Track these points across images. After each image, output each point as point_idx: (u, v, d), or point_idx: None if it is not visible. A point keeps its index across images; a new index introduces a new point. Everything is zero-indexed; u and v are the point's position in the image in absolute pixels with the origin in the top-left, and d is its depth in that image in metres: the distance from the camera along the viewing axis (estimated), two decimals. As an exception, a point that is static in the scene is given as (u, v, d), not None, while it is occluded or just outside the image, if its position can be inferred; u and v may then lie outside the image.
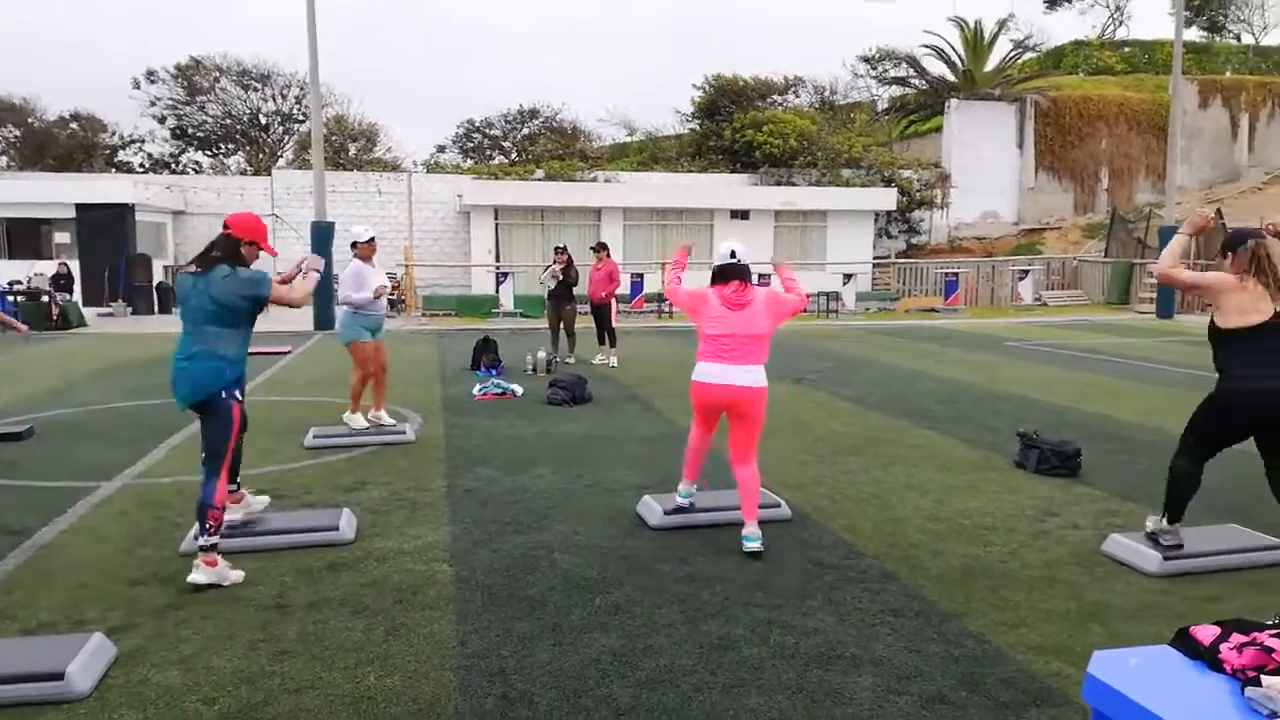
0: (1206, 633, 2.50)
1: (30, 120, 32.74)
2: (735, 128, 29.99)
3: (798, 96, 35.58)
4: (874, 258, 27.34)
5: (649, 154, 34.52)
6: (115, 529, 5.04)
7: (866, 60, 36.60)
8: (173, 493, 5.79)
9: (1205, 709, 2.25)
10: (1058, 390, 10.12)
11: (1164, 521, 4.53)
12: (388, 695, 3.18)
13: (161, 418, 8.35)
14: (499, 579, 4.30)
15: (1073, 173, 31.97)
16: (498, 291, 22.16)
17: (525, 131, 36.16)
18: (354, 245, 7.57)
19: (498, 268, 23.97)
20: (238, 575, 4.25)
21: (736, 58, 67.06)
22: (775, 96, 33.94)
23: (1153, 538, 4.54)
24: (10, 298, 18.64)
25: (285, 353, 13.82)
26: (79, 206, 22.73)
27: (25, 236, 23.50)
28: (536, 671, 3.36)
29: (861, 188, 27.77)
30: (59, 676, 3.14)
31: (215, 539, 4.21)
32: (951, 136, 30.38)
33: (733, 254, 4.82)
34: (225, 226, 4.59)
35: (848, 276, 23.63)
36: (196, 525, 4.27)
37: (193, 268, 4.52)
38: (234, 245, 4.54)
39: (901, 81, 36.13)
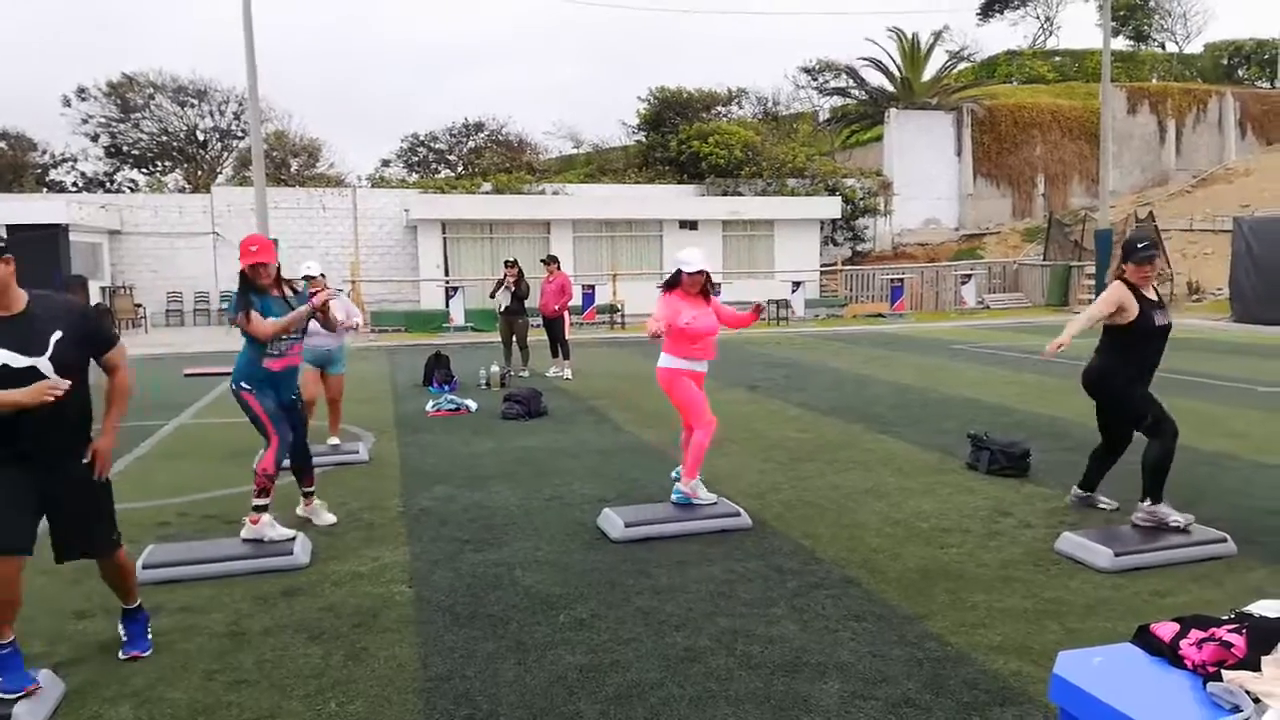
0: (1166, 629, 2.57)
1: (-46, 139, 31.67)
2: (681, 139, 30.21)
3: (741, 108, 35.99)
4: (821, 265, 27.70)
5: (596, 166, 34.59)
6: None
7: (807, 71, 37.21)
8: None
9: (1170, 705, 2.30)
10: (1004, 391, 10.34)
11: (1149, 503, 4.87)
12: (351, 722, 3.12)
13: (103, 444, 8.09)
14: (460, 598, 4.24)
15: (1010, 179, 32.80)
16: (448, 306, 21.98)
17: (471, 145, 35.97)
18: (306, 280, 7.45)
19: (447, 282, 23.76)
20: (280, 532, 4.89)
21: (681, 70, 67.65)
22: (720, 108, 34.26)
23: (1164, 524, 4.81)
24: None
25: (228, 373, 13.49)
26: (9, 228, 21.90)
27: (-48, 259, 22.62)
28: (502, 691, 3.32)
29: (806, 197, 28.14)
30: (5, 717, 3.01)
31: (263, 500, 4.89)
32: (892, 145, 30.98)
33: (690, 263, 5.41)
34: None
35: (796, 284, 23.92)
36: None
37: None
38: (241, 275, 5.01)
39: (842, 92, 36.76)
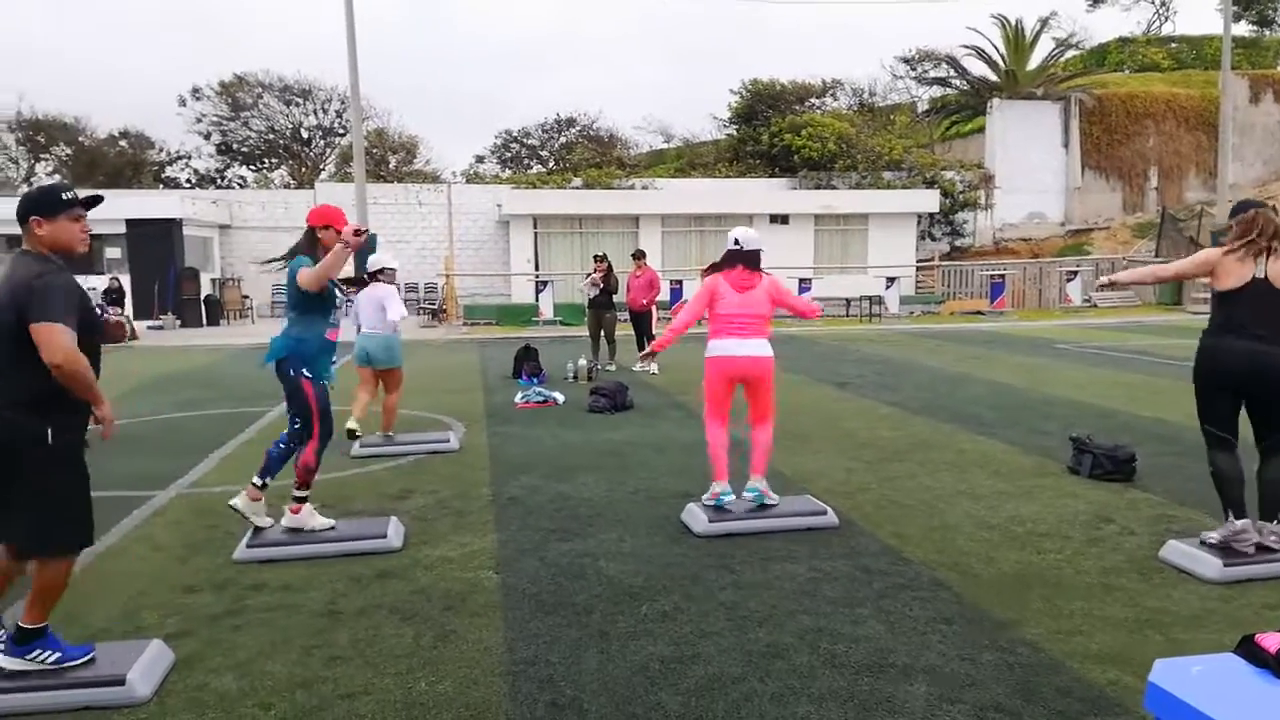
0: (1272, 640, 2.43)
1: (81, 139, 33.68)
2: (773, 132, 29.90)
3: (836, 99, 35.41)
4: (917, 260, 27.05)
5: (686, 160, 34.55)
6: (170, 537, 5.14)
7: (906, 61, 36.34)
8: (223, 502, 5.89)
9: (1271, 718, 2.18)
10: (1110, 393, 9.91)
11: (1232, 519, 4.38)
12: (439, 701, 3.21)
13: (212, 429, 8.52)
14: (545, 586, 4.31)
15: (1120, 172, 31.36)
16: (537, 300, 22.31)
17: (562, 140, 36.40)
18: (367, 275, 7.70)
19: (537, 276, 24.12)
20: (320, 521, 4.95)
21: (774, 63, 66.93)
22: (813, 100, 33.78)
23: (1224, 547, 4.37)
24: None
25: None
26: (129, 222, 23.30)
27: (80, 252, 24.09)
28: (585, 679, 3.36)
29: (903, 190, 27.52)
30: (120, 682, 3.20)
31: (304, 491, 4.93)
32: (994, 137, 29.98)
33: (736, 241, 5.29)
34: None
35: (890, 280, 23.43)
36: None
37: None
38: (309, 234, 4.90)
39: (942, 82, 35.77)
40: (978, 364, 12.93)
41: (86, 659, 3.34)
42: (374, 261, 7.78)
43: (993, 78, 33.63)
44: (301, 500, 4.96)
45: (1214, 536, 4.44)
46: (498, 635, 3.76)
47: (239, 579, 4.42)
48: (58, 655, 3.32)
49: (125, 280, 22.42)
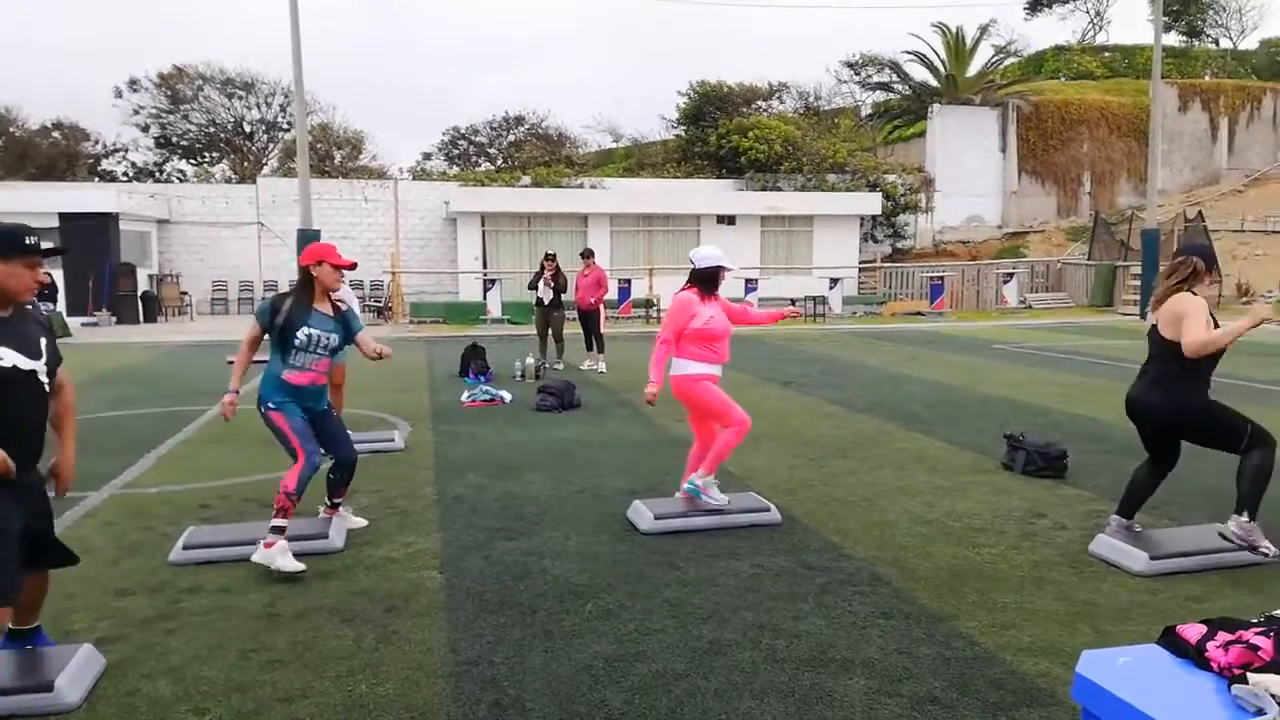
0: (1193, 631, 2.53)
1: (11, 129, 32.51)
2: (720, 134, 30.12)
3: (782, 102, 35.77)
4: (860, 262, 27.48)
5: (635, 160, 34.61)
6: (102, 539, 5.01)
7: (850, 66, 36.84)
8: (159, 503, 5.77)
9: (1193, 707, 2.28)
10: (1044, 392, 10.19)
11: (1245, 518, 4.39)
12: (380, 703, 3.18)
13: (147, 428, 8.30)
14: (490, 586, 4.29)
15: (1055, 176, 32.25)
16: (485, 298, 22.16)
17: (511, 138, 36.18)
18: None
19: (485, 274, 23.96)
20: (290, 564, 4.36)
21: (722, 65, 67.33)
22: (760, 102, 34.09)
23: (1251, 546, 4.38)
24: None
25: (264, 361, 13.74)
26: (62, 216, 22.55)
27: (7, 246, 23.27)
28: (529, 678, 3.36)
29: (847, 192, 27.93)
30: (48, 688, 3.11)
31: (282, 521, 4.46)
32: (935, 141, 30.60)
33: (702, 259, 5.38)
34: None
35: (834, 281, 23.77)
36: None
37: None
38: (304, 274, 4.79)
39: (885, 87, 36.36)
40: (918, 364, 13.18)
41: None
42: None
43: (934, 83, 34.33)
44: (278, 531, 4.46)
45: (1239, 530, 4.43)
46: (441, 636, 3.74)
47: (174, 581, 4.33)
48: None
49: (58, 275, 21.69)
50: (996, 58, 35.58)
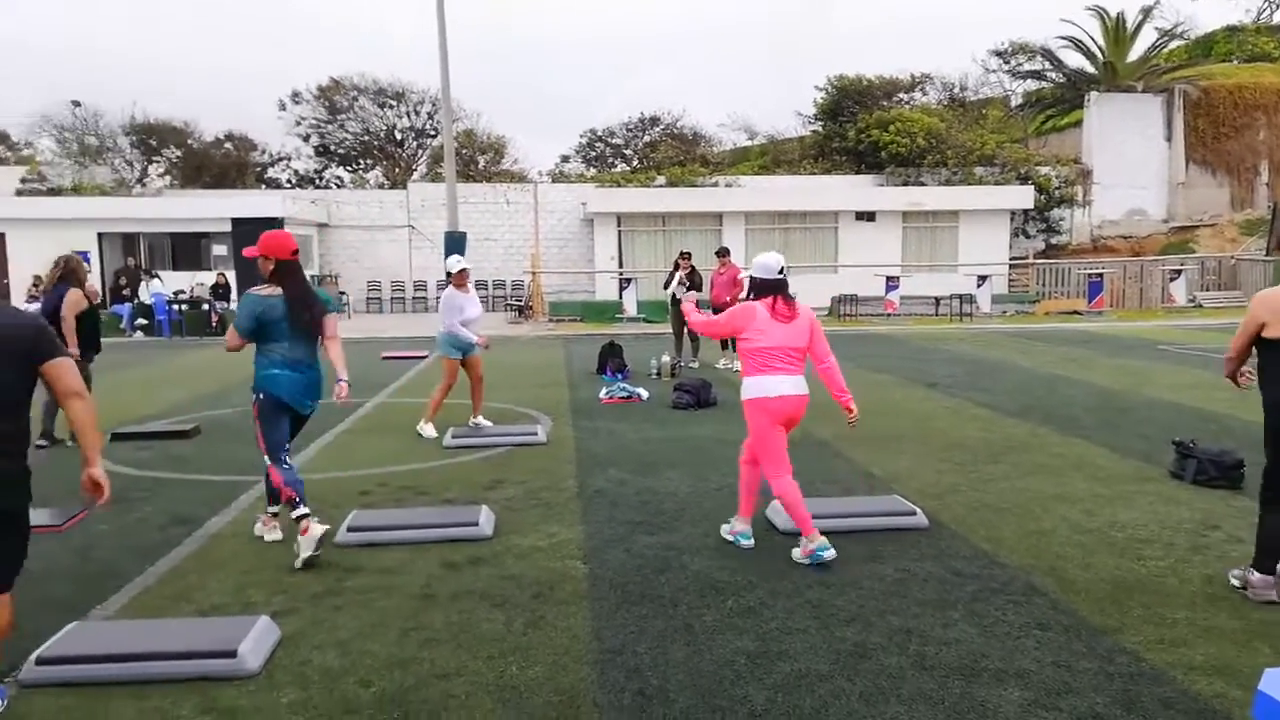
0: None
1: (190, 141, 35.25)
2: (860, 128, 29.42)
3: (925, 94, 34.61)
4: (1010, 258, 26.27)
5: (771, 157, 34.25)
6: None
7: (999, 54, 35.23)
8: (324, 488, 6.14)
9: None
10: (1213, 396, 9.47)
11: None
12: (530, 685, 3.29)
13: (312, 419, 8.83)
14: (632, 578, 4.36)
15: (1228, 166, 29.83)
16: (621, 297, 22.47)
17: (646, 139, 36.50)
18: (447, 275, 8.10)
19: (621, 274, 24.29)
20: (310, 551, 4.51)
21: (862, 58, 65.76)
22: (901, 95, 33.11)
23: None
24: (174, 305, 20.24)
25: (421, 357, 14.40)
26: (234, 221, 24.34)
27: (187, 249, 25.35)
28: (671, 670, 3.40)
29: (995, 186, 26.76)
30: (232, 654, 3.38)
31: (300, 511, 4.62)
32: (1092, 131, 28.87)
33: (781, 270, 4.79)
34: (295, 254, 5.09)
35: (982, 278, 22.82)
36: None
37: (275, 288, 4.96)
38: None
39: (1037, 75, 34.59)
40: (1074, 365, 12.50)
41: None
42: (450, 264, 8.16)
43: (1091, 70, 32.38)
44: (300, 519, 4.62)
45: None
46: (585, 624, 3.83)
47: (339, 561, 4.61)
48: None
49: (231, 277, 23.44)
50: (1161, 41, 33.21)
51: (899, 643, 3.62)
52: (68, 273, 7.55)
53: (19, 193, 27.48)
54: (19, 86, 51.04)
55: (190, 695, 3.22)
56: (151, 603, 4.13)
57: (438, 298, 7.84)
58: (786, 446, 4.73)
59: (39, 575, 4.41)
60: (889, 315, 22.11)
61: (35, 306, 10.85)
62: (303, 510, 4.62)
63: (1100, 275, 23.13)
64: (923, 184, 27.32)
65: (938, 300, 22.79)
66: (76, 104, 32.71)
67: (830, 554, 4.47)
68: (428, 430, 7.91)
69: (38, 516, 5.28)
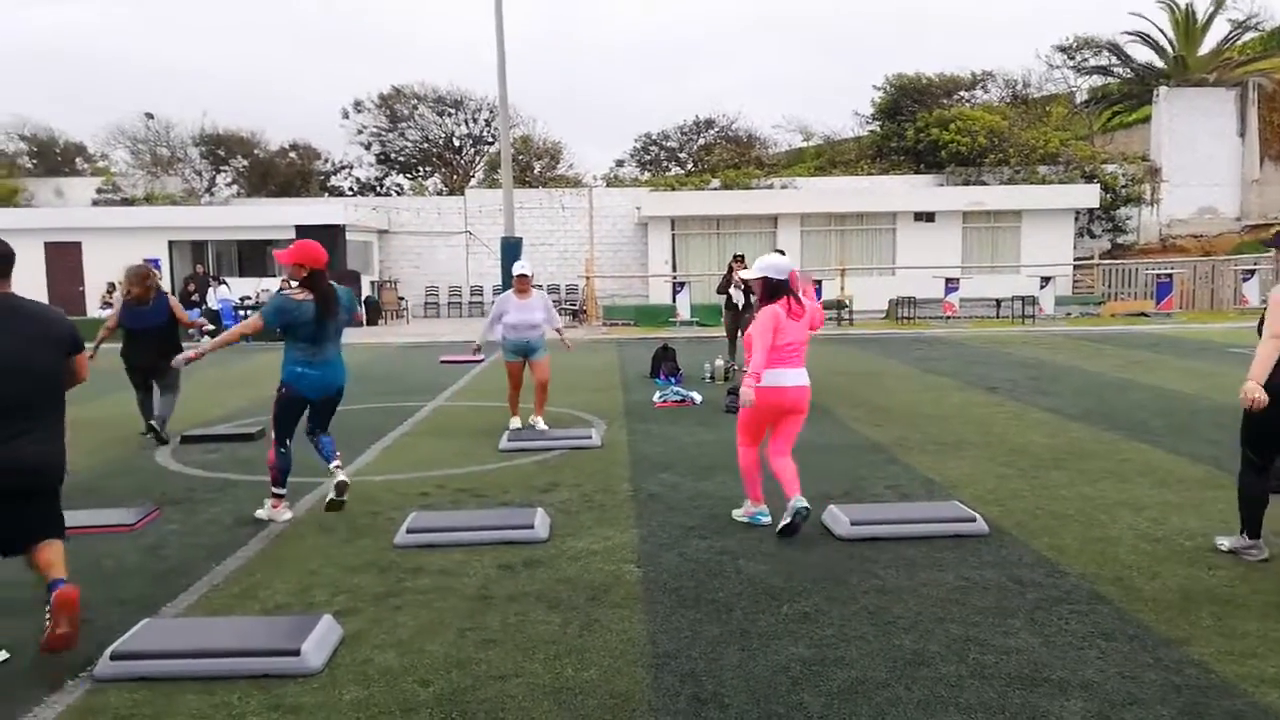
0: None
1: (256, 151, 36.22)
2: (919, 127, 28.99)
3: (987, 92, 33.94)
4: (1075, 259, 25.64)
5: (827, 158, 33.94)
6: (337, 521, 5.50)
7: (1063, 50, 34.38)
8: (384, 490, 6.26)
9: None
10: (1293, 402, 9.12)
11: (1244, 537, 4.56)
12: (585, 687, 3.31)
13: (373, 422, 9.03)
14: (686, 582, 4.37)
15: (1308, 161, 28.68)
16: (674, 300, 22.47)
17: (701, 142, 36.44)
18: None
19: (674, 277, 24.29)
20: (281, 514, 5.55)
21: (921, 56, 64.85)
22: (962, 93, 32.53)
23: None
24: (240, 311, 20.84)
25: (478, 361, 14.58)
26: (298, 228, 24.91)
27: (253, 256, 26.06)
28: (726, 675, 3.40)
29: (1059, 185, 26.14)
30: (295, 653, 3.47)
31: (277, 490, 5.57)
32: (1161, 127, 28.03)
33: (775, 271, 5.09)
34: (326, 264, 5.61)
35: (1045, 279, 22.32)
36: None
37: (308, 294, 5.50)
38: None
39: (1103, 71, 33.69)
40: (1141, 368, 12.15)
41: None
42: (516, 268, 8.31)
43: (1160, 64, 31.45)
44: (277, 498, 5.61)
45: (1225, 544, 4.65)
46: (640, 627, 3.84)
47: (400, 562, 4.70)
48: None
49: (294, 282, 24.00)
50: (1235, 33, 32.09)
51: (958, 651, 3.56)
52: (155, 283, 8.07)
53: (95, 203, 28.55)
54: (98, 99, 53.10)
55: (256, 692, 3.31)
56: (219, 601, 4.26)
57: (493, 302, 8.12)
58: (795, 435, 5.25)
59: (112, 572, 4.59)
60: (948, 318, 21.74)
61: (109, 312, 11.25)
62: (279, 492, 5.57)
63: (1169, 276, 22.44)
64: (984, 183, 26.82)
65: (999, 302, 22.35)
66: (149, 116, 33.88)
67: (766, 520, 5.18)
68: (514, 422, 8.29)
69: (111, 516, 5.52)
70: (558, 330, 8.54)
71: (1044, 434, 7.84)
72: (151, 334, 7.94)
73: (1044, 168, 27.30)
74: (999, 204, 25.19)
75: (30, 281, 24.93)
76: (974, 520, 5.05)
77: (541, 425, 8.27)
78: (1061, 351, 14.70)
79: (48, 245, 25.21)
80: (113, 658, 3.47)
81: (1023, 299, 21.53)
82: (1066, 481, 6.19)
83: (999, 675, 3.36)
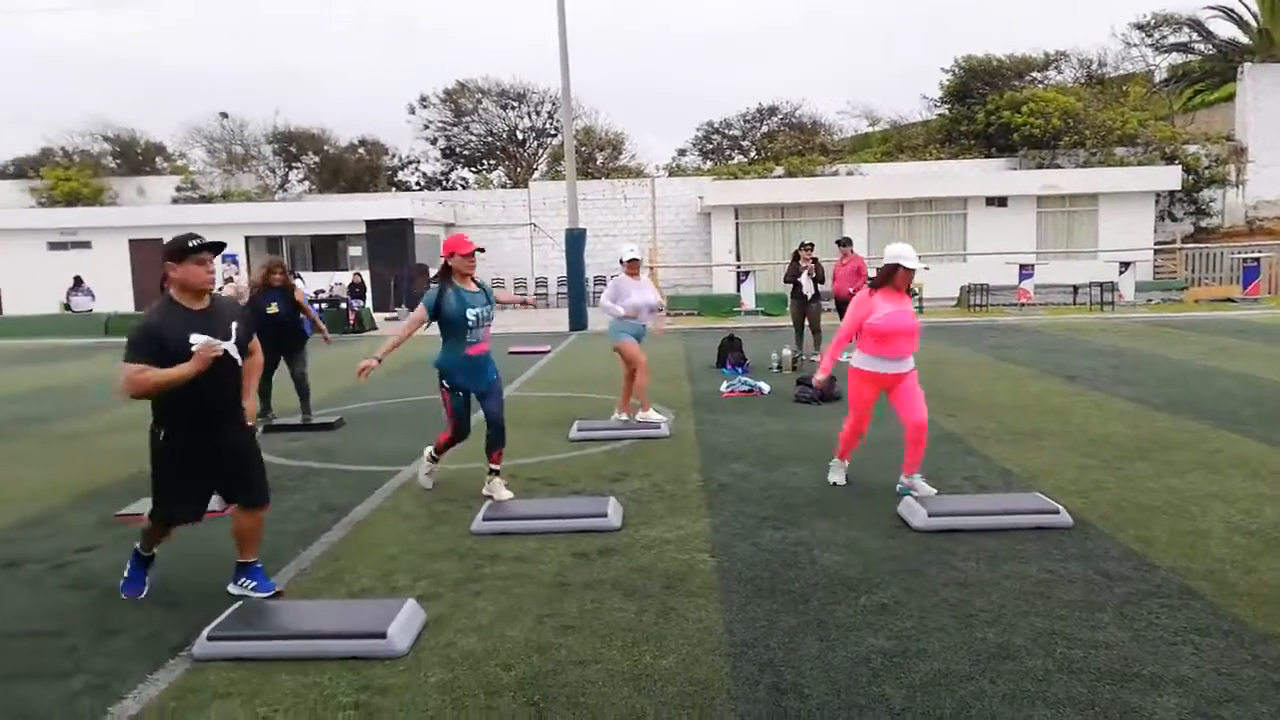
0: None
1: (326, 148, 37.05)
2: (989, 110, 28.31)
3: (1060, 72, 32.95)
4: (1155, 243, 24.77)
5: (894, 143, 33.34)
6: (415, 508, 5.63)
7: (1141, 28, 33.18)
8: (459, 478, 6.37)
9: None
10: (1396, 390, 8.69)
11: None
12: (664, 675, 3.34)
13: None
14: (760, 572, 4.36)
15: None
16: (739, 290, 22.36)
17: (764, 129, 36.11)
18: (620, 262, 8.22)
19: (738, 267, 24.16)
20: (425, 478, 6.03)
21: (991, 37, 63.11)
22: (1034, 74, 31.64)
23: None
24: (313, 304, 21.36)
25: (545, 351, 14.73)
26: (368, 223, 25.49)
27: (325, 251, 26.72)
28: (805, 665, 3.38)
29: (1138, 167, 25.26)
30: (382, 635, 3.56)
31: (435, 455, 6.04)
32: (1246, 105, 26.87)
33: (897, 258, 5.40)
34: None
35: (1124, 265, 21.62)
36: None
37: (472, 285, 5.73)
38: (444, 266, 5.72)
39: (1183, 48, 32.43)
40: (1228, 356, 11.70)
41: (272, 594, 4.13)
42: (625, 252, 8.32)
43: (1244, 40, 30.10)
44: (432, 460, 6.08)
45: None
46: (716, 616, 3.85)
47: (477, 549, 4.78)
48: (254, 584, 4.16)
49: (366, 275, 24.56)
50: (1328, 3, 30.54)
51: (1044, 645, 3.49)
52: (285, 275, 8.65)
53: (174, 200, 29.56)
54: (176, 102, 54.89)
55: (345, 673, 3.41)
56: (307, 584, 4.39)
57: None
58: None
59: (207, 556, 4.76)
60: (1022, 305, 21.21)
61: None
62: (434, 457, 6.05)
63: (1257, 260, 21.54)
64: (1058, 166, 26.08)
65: (1075, 289, 21.73)
66: (224, 115, 34.92)
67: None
68: (650, 416, 8.07)
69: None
70: (660, 312, 8.51)
71: (1127, 424, 7.61)
72: (278, 321, 8.34)
73: (1121, 149, 26.42)
74: (1075, 187, 24.48)
75: (116, 277, 25.95)
76: (1057, 512, 4.93)
77: (623, 416, 8.17)
78: (1143, 339, 14.23)
79: (131, 242, 26.21)
80: (210, 638, 3.60)
81: (1101, 285, 20.90)
82: (1152, 473, 6.00)
83: (1088, 670, 3.28)
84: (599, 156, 36.69)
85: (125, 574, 4.27)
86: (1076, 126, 26.80)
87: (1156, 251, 24.69)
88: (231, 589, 4.18)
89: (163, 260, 3.88)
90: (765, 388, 9.93)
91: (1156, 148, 26.22)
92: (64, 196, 29.50)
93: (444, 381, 5.71)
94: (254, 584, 4.17)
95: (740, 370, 11.27)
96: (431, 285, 5.66)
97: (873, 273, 5.68)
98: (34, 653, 3.68)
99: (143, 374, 3.72)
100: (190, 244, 3.85)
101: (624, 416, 8.18)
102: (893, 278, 5.41)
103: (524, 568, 4.49)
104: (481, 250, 5.81)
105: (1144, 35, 33.31)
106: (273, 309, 8.34)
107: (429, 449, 6.11)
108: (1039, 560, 4.40)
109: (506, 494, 5.71)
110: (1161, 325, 16.53)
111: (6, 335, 21.53)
